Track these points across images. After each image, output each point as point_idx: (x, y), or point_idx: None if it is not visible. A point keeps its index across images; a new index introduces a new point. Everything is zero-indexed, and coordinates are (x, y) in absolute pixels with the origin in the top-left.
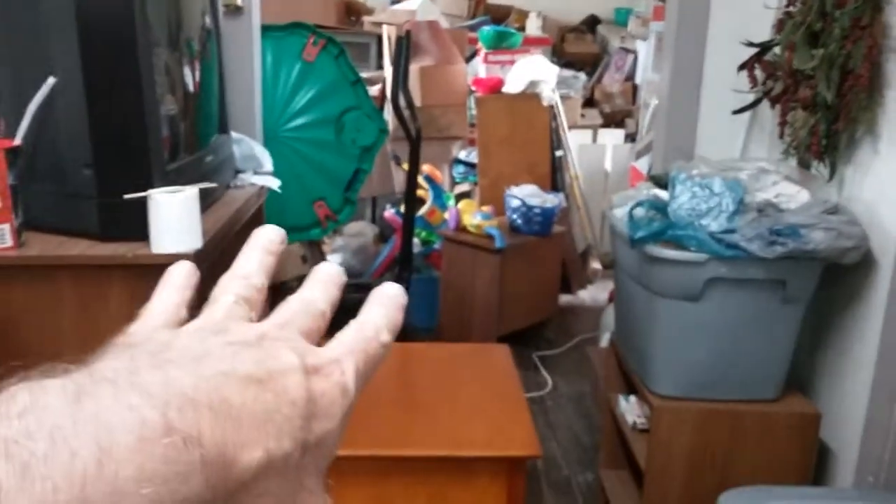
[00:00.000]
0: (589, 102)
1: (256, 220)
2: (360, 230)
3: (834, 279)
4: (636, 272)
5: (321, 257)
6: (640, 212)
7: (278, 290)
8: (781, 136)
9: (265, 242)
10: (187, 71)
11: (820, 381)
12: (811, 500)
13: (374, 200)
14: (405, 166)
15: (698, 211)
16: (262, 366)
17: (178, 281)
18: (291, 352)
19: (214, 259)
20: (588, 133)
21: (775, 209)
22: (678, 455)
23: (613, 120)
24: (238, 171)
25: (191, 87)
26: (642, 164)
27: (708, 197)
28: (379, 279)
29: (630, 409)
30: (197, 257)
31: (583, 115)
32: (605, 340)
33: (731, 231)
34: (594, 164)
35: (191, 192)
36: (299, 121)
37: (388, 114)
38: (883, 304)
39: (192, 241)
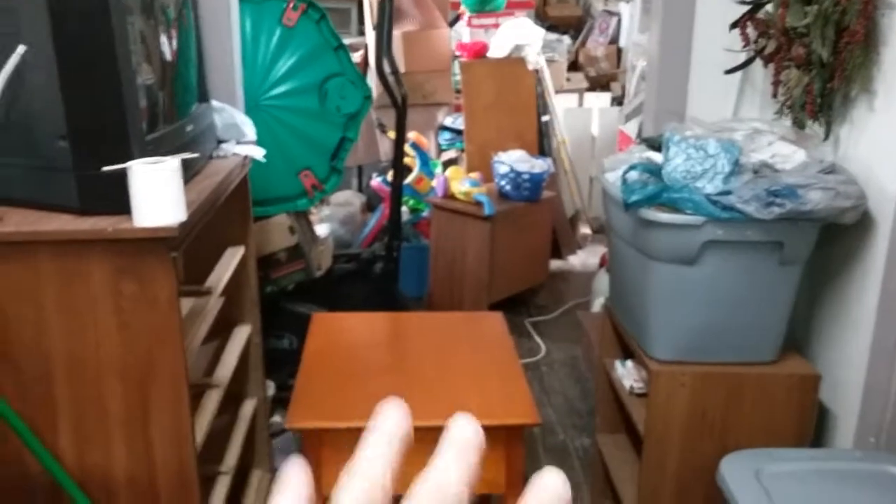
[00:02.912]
0: (573, 66)
1: (241, 191)
2: (347, 199)
3: (831, 239)
4: (631, 237)
5: (309, 228)
6: (633, 175)
7: (266, 261)
8: (775, 95)
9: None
10: (164, 39)
11: (818, 342)
12: (813, 461)
13: (361, 169)
14: (391, 134)
15: (693, 173)
16: None
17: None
18: None
19: (199, 232)
20: (574, 97)
21: (771, 170)
22: (677, 419)
23: (599, 83)
24: (220, 141)
25: (168, 56)
26: (631, 128)
27: (703, 159)
28: (368, 248)
29: (627, 374)
30: (181, 230)
31: (568, 79)
32: (597, 305)
33: (727, 193)
34: (581, 129)
35: (173, 163)
36: (281, 88)
37: (372, 80)
38: (881, 264)
39: (177, 213)
